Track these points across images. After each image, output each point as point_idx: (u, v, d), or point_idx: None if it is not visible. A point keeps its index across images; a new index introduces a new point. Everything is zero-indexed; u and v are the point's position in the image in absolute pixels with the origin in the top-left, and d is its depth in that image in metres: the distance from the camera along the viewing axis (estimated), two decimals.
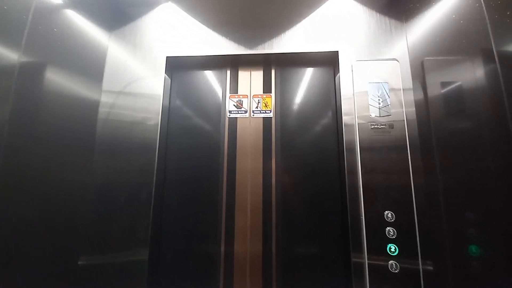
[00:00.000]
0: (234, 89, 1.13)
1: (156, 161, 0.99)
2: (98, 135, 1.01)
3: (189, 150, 1.08)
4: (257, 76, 1.14)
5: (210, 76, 1.16)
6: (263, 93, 1.12)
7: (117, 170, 0.99)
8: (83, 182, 0.96)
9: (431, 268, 0.81)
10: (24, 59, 0.97)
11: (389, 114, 0.91)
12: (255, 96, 1.12)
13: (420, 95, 0.92)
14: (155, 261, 0.97)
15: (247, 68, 1.15)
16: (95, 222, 0.94)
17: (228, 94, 1.13)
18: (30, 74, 0.98)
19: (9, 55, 0.95)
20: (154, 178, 0.98)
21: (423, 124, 0.90)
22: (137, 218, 0.95)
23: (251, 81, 1.14)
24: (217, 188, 1.05)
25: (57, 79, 1.00)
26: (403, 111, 0.92)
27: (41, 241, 0.87)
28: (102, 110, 1.03)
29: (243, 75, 1.15)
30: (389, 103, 0.93)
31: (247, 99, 1.12)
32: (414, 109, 0.92)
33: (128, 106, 1.04)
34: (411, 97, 0.94)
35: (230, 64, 1.15)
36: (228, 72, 1.15)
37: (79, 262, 0.91)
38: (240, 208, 1.03)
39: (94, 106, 1.03)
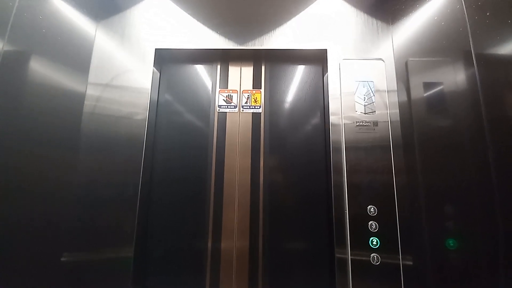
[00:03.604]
0: (224, 84, 1.14)
1: (143, 156, 0.98)
2: (83, 130, 0.98)
3: (177, 146, 1.08)
4: (247, 71, 1.15)
5: (199, 71, 1.15)
6: (253, 88, 1.13)
7: (103, 166, 0.96)
8: (67, 179, 0.93)
9: (410, 259, 0.85)
10: (8, 48, 0.95)
11: (373, 111, 0.94)
12: (244, 91, 1.13)
13: (404, 94, 0.95)
14: (140, 258, 0.97)
15: (237, 63, 1.15)
16: (80, 219, 0.92)
17: (218, 89, 1.13)
18: (14, 64, 0.95)
19: None
20: (141, 174, 0.96)
21: (406, 122, 0.93)
22: (123, 215, 0.93)
23: (241, 76, 1.14)
24: (205, 184, 1.05)
25: (41, 69, 0.97)
26: (387, 108, 0.95)
27: (24, 240, 0.86)
28: (87, 103, 1.00)
29: (233, 70, 1.15)
30: (374, 101, 0.95)
31: (236, 94, 1.12)
32: (397, 105, 0.95)
33: (115, 99, 1.01)
34: (395, 95, 0.97)
35: (220, 58, 1.15)
36: (218, 66, 1.15)
37: (63, 259, 0.89)
38: (227, 205, 1.03)
39: (79, 99, 1.00)
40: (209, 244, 1.01)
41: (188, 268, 0.99)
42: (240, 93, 1.13)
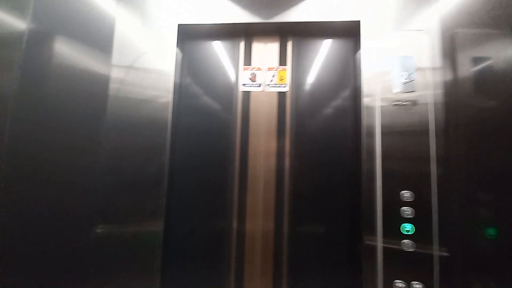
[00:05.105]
0: (248, 61, 1.08)
1: (168, 139, 0.97)
2: (109, 111, 0.97)
3: (201, 127, 1.06)
4: (273, 47, 1.08)
5: (222, 47, 1.10)
6: (279, 65, 1.07)
7: (131, 147, 0.97)
8: (100, 159, 0.95)
9: (446, 248, 0.81)
10: (32, 28, 0.95)
11: (413, 91, 0.86)
12: (270, 69, 1.07)
13: (449, 71, 0.86)
14: (169, 232, 0.99)
15: (262, 38, 1.09)
16: (109, 196, 0.95)
17: (241, 67, 1.08)
18: (39, 46, 0.96)
19: (17, 23, 0.93)
20: (167, 156, 0.97)
21: (450, 103, 0.85)
22: (151, 194, 0.95)
23: (266, 52, 1.08)
24: (230, 166, 1.04)
25: (65, 50, 0.97)
26: (429, 87, 0.86)
27: (55, 217, 0.91)
28: (112, 86, 0.98)
29: (258, 46, 1.09)
30: (413, 79, 0.87)
31: (261, 72, 1.07)
32: (441, 84, 0.86)
33: (139, 82, 0.99)
34: (439, 72, 0.87)
35: (244, 34, 1.09)
36: (242, 43, 1.09)
37: (98, 231, 0.93)
38: (252, 187, 1.02)
39: (104, 81, 0.98)
40: (234, 227, 1.01)
41: (215, 248, 1.01)
42: (265, 70, 1.07)
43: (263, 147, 1.03)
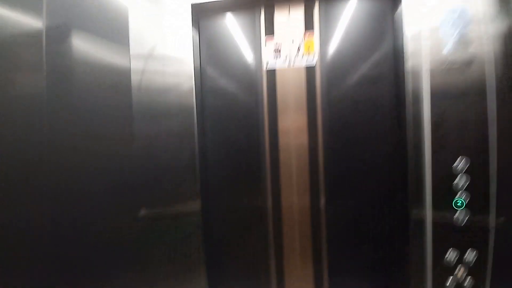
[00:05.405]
0: (271, 33, 1.00)
1: (195, 124, 0.95)
2: (135, 103, 0.95)
3: (228, 109, 1.03)
4: (297, 15, 0.98)
5: (241, 22, 1.02)
6: (305, 34, 0.98)
7: (160, 136, 0.96)
8: (130, 147, 0.95)
9: (504, 221, 0.75)
10: (49, 25, 0.95)
11: (466, 48, 0.76)
12: (295, 39, 0.98)
13: (507, 22, 0.75)
14: (207, 211, 1.00)
15: (284, 5, 0.99)
16: (146, 185, 0.96)
17: (263, 41, 1.00)
18: (57, 43, 0.96)
19: (34, 23, 0.95)
20: (196, 141, 0.95)
21: (508, 63, 0.75)
22: (186, 179, 0.95)
23: (289, 21, 0.99)
24: (260, 145, 1.01)
25: (84, 46, 0.96)
26: (484, 43, 0.76)
27: (97, 203, 0.96)
28: (134, 77, 0.95)
29: (280, 15, 0.99)
30: (467, 35, 0.76)
31: (286, 44, 0.99)
32: (498, 38, 0.76)
33: (160, 70, 0.95)
34: (495, 26, 0.76)
35: (264, 3, 0.99)
36: (262, 13, 1.00)
37: (141, 213, 0.96)
38: (285, 169, 0.99)
39: (126, 73, 0.95)
40: (269, 207, 1.00)
41: (250, 228, 1.02)
42: (290, 42, 0.98)
43: (294, 123, 0.98)
